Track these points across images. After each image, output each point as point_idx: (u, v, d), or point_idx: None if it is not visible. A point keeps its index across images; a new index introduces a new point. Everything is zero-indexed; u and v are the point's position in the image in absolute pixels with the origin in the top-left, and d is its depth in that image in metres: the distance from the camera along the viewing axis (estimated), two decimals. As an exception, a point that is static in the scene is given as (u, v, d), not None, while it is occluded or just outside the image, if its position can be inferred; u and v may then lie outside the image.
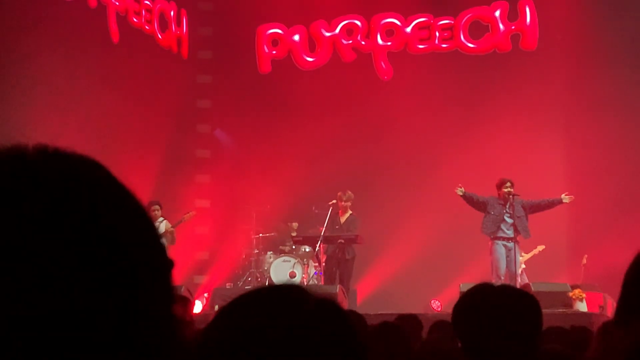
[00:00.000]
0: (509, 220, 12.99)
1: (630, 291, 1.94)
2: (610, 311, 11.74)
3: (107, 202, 0.88)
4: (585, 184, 15.66)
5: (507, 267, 12.90)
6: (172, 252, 12.85)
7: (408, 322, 5.67)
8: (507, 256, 12.94)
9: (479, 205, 13.31)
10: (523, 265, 14.38)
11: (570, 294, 11.71)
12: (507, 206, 13.02)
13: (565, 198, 13.16)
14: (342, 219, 13.90)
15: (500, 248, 12.97)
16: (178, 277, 10.92)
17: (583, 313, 11.26)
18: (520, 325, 2.57)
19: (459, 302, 2.69)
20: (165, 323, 0.90)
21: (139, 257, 0.87)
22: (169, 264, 0.92)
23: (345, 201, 13.88)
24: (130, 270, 0.86)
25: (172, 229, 13.59)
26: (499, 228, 13.02)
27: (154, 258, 0.90)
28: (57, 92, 13.60)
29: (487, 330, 2.53)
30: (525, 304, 2.65)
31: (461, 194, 13.28)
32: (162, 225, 13.59)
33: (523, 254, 14.47)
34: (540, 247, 14.61)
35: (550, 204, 13.29)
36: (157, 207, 13.64)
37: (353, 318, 1.38)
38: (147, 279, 0.88)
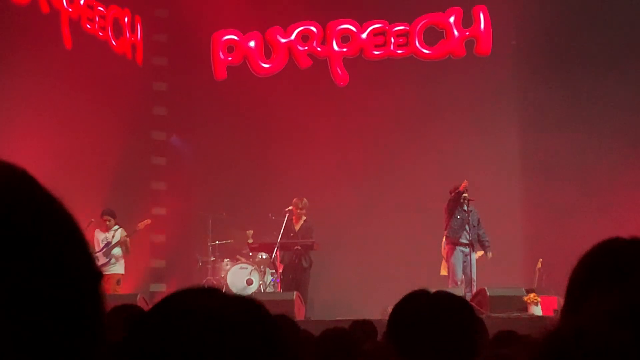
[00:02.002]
0: (467, 227, 13.07)
1: (574, 292, 1.96)
2: (564, 315, 11.83)
3: (24, 214, 0.84)
4: (539, 187, 15.83)
5: (463, 272, 12.97)
6: (127, 261, 12.69)
7: (363, 328, 5.66)
8: (464, 261, 13.01)
9: (454, 215, 13.24)
10: None
11: (525, 298, 11.79)
12: (465, 209, 13.09)
13: (489, 254, 13.31)
14: (297, 227, 13.87)
15: (458, 253, 13.03)
16: (134, 285, 10.84)
17: (538, 317, 11.35)
18: (455, 330, 2.57)
19: (394, 310, 2.68)
20: (92, 337, 0.87)
21: (61, 269, 0.84)
22: (95, 278, 0.90)
23: (300, 208, 13.86)
24: (51, 284, 0.83)
25: (126, 238, 13.49)
26: (462, 232, 13.07)
27: (79, 272, 0.87)
28: (8, 99, 13.42)
29: (420, 337, 2.53)
30: (459, 309, 2.65)
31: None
32: (118, 234, 13.50)
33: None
34: (479, 253, 14.72)
35: (481, 244, 13.34)
36: (109, 217, 13.54)
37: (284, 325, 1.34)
38: (72, 294, 0.85)
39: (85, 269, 0.89)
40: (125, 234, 13.53)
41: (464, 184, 13.08)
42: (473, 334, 2.61)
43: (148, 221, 14.20)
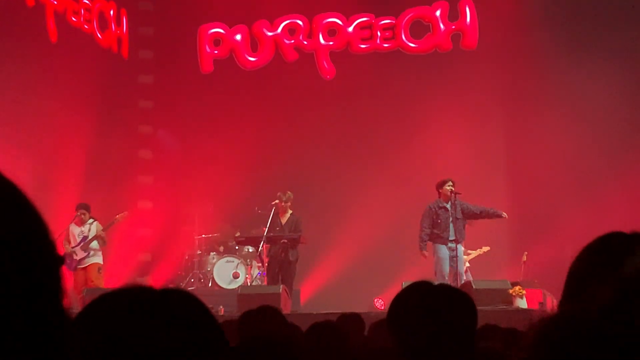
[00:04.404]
0: (451, 224, 13.05)
1: (572, 284, 1.98)
2: (549, 307, 11.91)
3: None
4: (525, 181, 15.88)
5: (451, 266, 12.94)
6: (113, 254, 12.66)
7: (350, 321, 5.69)
8: (451, 257, 12.96)
9: (433, 223, 13.15)
10: (467, 264, 14.51)
11: (511, 291, 11.84)
12: (449, 206, 13.05)
13: (504, 214, 13.22)
14: (283, 220, 13.84)
15: (444, 249, 12.99)
16: (120, 278, 10.81)
17: (523, 310, 11.40)
18: (455, 324, 2.59)
19: (395, 300, 2.69)
20: (50, 323, 0.88)
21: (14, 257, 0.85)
22: (53, 263, 0.90)
23: (284, 202, 13.83)
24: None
25: (102, 232, 13.43)
26: (448, 233, 12.99)
27: (38, 256, 0.87)
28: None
29: (421, 329, 2.54)
30: (461, 302, 2.67)
31: (425, 250, 13.13)
32: (93, 228, 13.42)
33: (470, 251, 14.60)
34: (485, 248, 14.74)
35: (491, 216, 13.24)
36: (83, 211, 13.46)
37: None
38: (25, 280, 0.86)
39: (44, 253, 0.89)
40: (101, 227, 13.49)
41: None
42: (473, 329, 2.63)
43: (126, 213, 14.11)
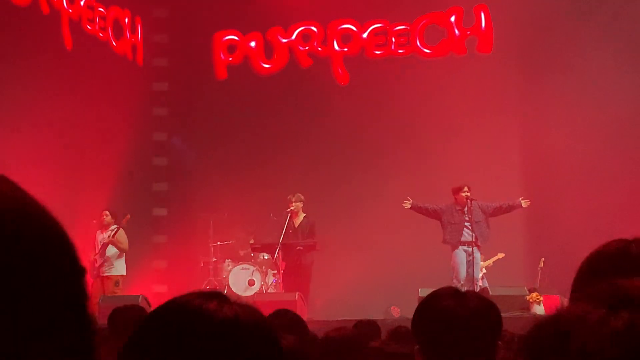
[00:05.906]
0: (469, 225, 13.08)
1: (578, 290, 1.97)
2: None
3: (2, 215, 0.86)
4: (541, 187, 15.79)
5: (467, 270, 12.97)
6: (127, 262, 12.62)
7: (366, 328, 5.65)
8: (468, 260, 13.00)
9: (431, 214, 13.41)
10: (484, 270, 14.47)
11: (528, 297, 11.77)
12: (466, 211, 13.07)
13: (524, 202, 13.31)
14: (296, 222, 13.83)
15: (460, 253, 13.04)
16: (136, 286, 10.79)
17: (540, 316, 11.32)
18: (480, 331, 2.56)
19: (420, 305, 2.68)
20: (77, 332, 0.89)
21: (40, 266, 0.85)
22: (75, 272, 0.91)
23: (295, 202, 13.82)
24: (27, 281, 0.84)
25: (113, 238, 13.43)
26: (461, 235, 13.09)
27: (58, 267, 0.87)
28: (10, 100, 13.41)
29: (446, 335, 2.52)
30: (486, 309, 2.64)
31: (409, 207, 13.34)
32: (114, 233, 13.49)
33: (483, 261, 14.57)
34: (500, 255, 14.69)
35: (510, 208, 13.42)
36: (106, 212, 13.55)
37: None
38: (51, 290, 0.87)
39: (65, 264, 0.90)
40: (121, 233, 13.52)
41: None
42: (496, 337, 2.61)
43: (128, 216, 14.10)
